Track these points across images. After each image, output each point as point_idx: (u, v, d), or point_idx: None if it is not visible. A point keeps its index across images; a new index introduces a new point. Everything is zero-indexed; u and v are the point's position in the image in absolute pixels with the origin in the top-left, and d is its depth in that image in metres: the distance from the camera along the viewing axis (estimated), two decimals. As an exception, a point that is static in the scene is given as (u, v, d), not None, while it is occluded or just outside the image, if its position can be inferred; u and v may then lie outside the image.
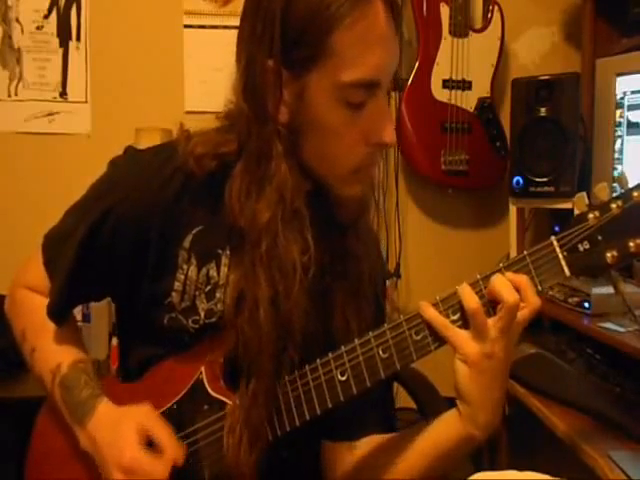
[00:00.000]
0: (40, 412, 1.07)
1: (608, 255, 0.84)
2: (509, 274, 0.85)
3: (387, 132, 0.88)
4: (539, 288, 0.86)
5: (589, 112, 1.88)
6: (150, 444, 0.90)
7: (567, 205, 1.85)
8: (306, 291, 0.90)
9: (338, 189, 0.92)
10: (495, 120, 2.18)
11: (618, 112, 1.72)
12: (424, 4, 2.10)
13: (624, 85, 1.71)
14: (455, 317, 0.86)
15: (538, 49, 2.32)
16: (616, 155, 1.73)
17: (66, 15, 2.16)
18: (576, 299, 1.62)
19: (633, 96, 1.69)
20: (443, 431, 0.92)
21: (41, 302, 1.02)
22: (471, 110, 2.15)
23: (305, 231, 0.89)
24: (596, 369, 1.44)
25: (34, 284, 1.05)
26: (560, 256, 0.85)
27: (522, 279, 0.85)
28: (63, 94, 2.18)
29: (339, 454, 1.03)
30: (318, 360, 0.90)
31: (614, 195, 0.86)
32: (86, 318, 1.89)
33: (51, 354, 1.01)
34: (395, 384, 1.49)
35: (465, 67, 2.13)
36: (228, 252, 0.93)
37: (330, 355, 0.90)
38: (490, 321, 0.84)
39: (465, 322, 0.85)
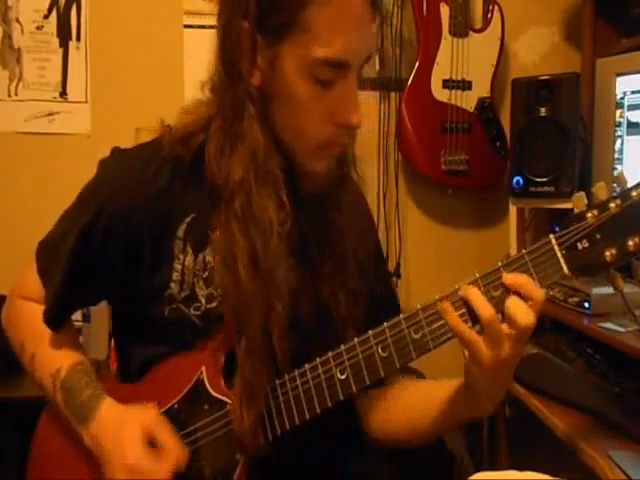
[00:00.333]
0: (42, 414, 1.07)
1: (607, 254, 0.84)
2: (508, 277, 0.85)
3: (353, 114, 0.89)
4: (538, 286, 0.85)
5: (589, 112, 1.88)
6: (154, 446, 0.90)
7: (567, 205, 1.85)
8: (289, 249, 0.90)
9: (303, 162, 0.93)
10: (495, 120, 2.18)
11: (618, 112, 1.72)
12: (424, 4, 2.10)
13: (624, 85, 1.71)
14: (459, 312, 0.86)
15: (538, 49, 2.32)
16: (616, 155, 1.73)
17: (66, 15, 2.16)
18: (576, 299, 1.62)
19: (633, 96, 1.69)
20: (452, 405, 0.95)
21: (38, 310, 1.02)
22: (471, 110, 2.15)
23: (280, 191, 0.90)
24: (596, 369, 1.44)
25: (30, 293, 1.05)
26: (559, 254, 0.85)
27: (521, 279, 0.85)
28: (63, 94, 2.18)
29: (372, 401, 1.05)
30: (317, 359, 0.91)
31: (613, 194, 0.86)
32: (86, 318, 1.89)
33: (50, 359, 1.02)
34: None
35: (465, 67, 2.13)
36: (218, 233, 0.94)
37: (329, 354, 0.90)
38: (505, 329, 0.83)
39: (471, 318, 0.85)
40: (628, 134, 1.71)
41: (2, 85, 2.15)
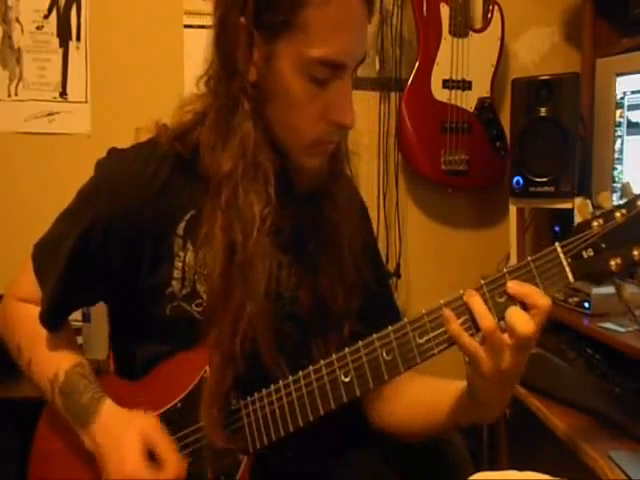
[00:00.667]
0: (42, 414, 1.06)
1: (612, 263, 0.84)
2: (512, 286, 0.84)
3: (347, 114, 0.90)
4: (543, 295, 0.84)
5: (589, 112, 1.88)
6: (153, 456, 0.90)
7: (567, 205, 1.85)
8: (278, 248, 0.91)
9: (296, 158, 0.94)
10: (495, 120, 2.18)
11: (618, 112, 1.72)
12: (424, 4, 2.10)
13: (624, 85, 1.71)
14: (462, 319, 0.85)
15: (538, 49, 2.32)
16: (616, 155, 1.73)
17: (66, 15, 2.16)
18: (576, 299, 1.62)
19: (633, 96, 1.69)
20: (455, 407, 0.95)
21: (34, 311, 1.02)
22: (471, 110, 2.15)
23: (268, 186, 0.90)
24: (596, 369, 1.44)
25: (26, 294, 1.05)
26: (564, 262, 0.85)
27: (526, 288, 0.84)
28: (63, 94, 2.18)
29: (377, 392, 1.05)
30: (322, 361, 0.91)
31: (618, 203, 0.86)
32: (86, 318, 1.89)
33: (48, 363, 1.01)
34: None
35: (465, 67, 2.13)
36: (205, 225, 0.94)
37: (334, 356, 0.90)
38: (505, 339, 0.82)
39: (474, 325, 0.85)
40: (628, 134, 1.71)
41: (2, 85, 2.15)
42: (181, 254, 0.95)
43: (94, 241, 0.96)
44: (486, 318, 0.83)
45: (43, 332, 1.02)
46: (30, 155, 2.17)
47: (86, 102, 2.18)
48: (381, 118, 2.24)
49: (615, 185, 1.72)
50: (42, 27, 2.15)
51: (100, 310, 1.90)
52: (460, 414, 0.94)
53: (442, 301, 0.87)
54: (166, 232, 0.95)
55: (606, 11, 2.00)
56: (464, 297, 0.86)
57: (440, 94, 2.13)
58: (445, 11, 2.10)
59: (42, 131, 2.18)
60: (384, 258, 2.23)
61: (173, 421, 0.94)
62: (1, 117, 2.15)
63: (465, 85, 2.14)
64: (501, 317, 0.84)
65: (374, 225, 2.15)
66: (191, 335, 0.94)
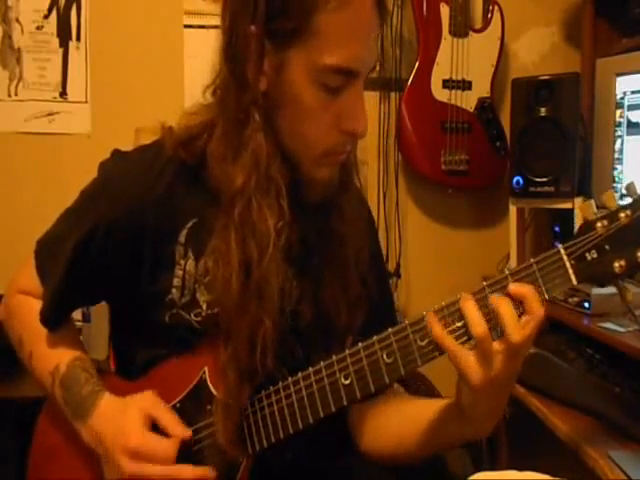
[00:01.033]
0: (42, 410, 1.07)
1: (616, 265, 0.83)
2: (513, 286, 0.83)
3: (360, 122, 0.89)
4: (545, 296, 0.84)
5: (589, 112, 1.88)
6: (156, 429, 0.90)
7: (567, 205, 1.85)
8: (285, 261, 0.89)
9: (307, 169, 0.92)
10: (495, 120, 2.18)
11: (618, 112, 1.72)
12: (424, 4, 2.10)
13: (624, 85, 1.71)
14: (459, 324, 0.84)
15: (538, 49, 2.32)
16: (616, 155, 1.73)
17: (66, 15, 2.16)
18: (576, 299, 1.62)
19: (633, 96, 1.69)
20: (447, 425, 0.92)
21: (36, 305, 1.02)
22: (471, 110, 2.15)
23: (280, 199, 0.89)
24: (596, 369, 1.44)
25: (28, 289, 1.05)
26: (567, 264, 0.84)
27: (527, 290, 0.82)
28: (63, 94, 2.17)
29: (364, 412, 1.04)
30: (322, 363, 0.90)
31: (623, 204, 0.84)
32: (86, 318, 1.89)
33: (49, 356, 1.01)
34: (395, 384, 1.49)
35: (465, 67, 2.13)
36: (216, 239, 0.92)
37: (334, 358, 0.90)
38: (496, 346, 0.81)
39: (468, 331, 0.83)
40: (628, 134, 1.71)
41: (2, 85, 2.15)
42: (182, 262, 0.94)
43: (96, 243, 0.95)
44: (478, 325, 0.81)
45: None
46: (30, 155, 2.17)
47: (86, 102, 2.18)
48: (381, 118, 2.24)
49: (615, 185, 1.72)
50: (42, 27, 2.15)
51: (100, 310, 1.90)
52: (448, 430, 0.92)
53: (443, 303, 0.86)
54: (168, 238, 0.95)
55: (606, 11, 2.00)
56: (460, 301, 0.84)
57: (440, 94, 2.13)
58: (445, 11, 2.10)
59: (42, 131, 2.18)
60: (384, 258, 2.24)
61: None
62: (1, 117, 2.15)
63: (465, 85, 2.14)
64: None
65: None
66: (190, 342, 0.94)
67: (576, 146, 1.84)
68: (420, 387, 1.53)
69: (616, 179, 1.73)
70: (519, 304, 0.83)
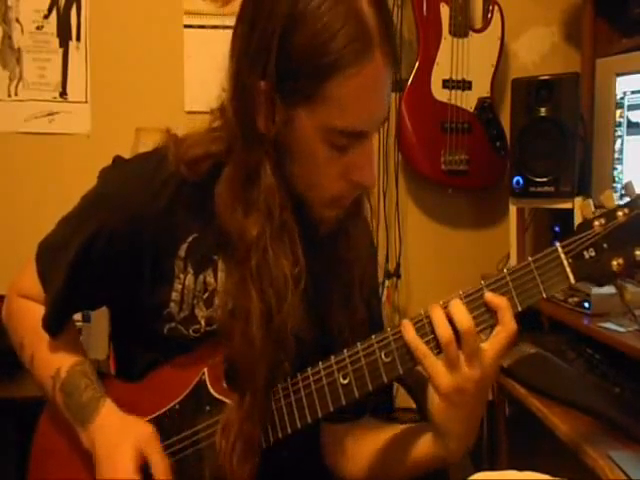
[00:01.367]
0: (43, 412, 1.07)
1: (614, 263, 0.83)
2: (488, 295, 0.84)
3: (367, 175, 0.88)
4: (544, 295, 0.84)
5: (589, 112, 1.88)
6: (146, 466, 0.90)
7: (567, 205, 1.85)
8: (299, 303, 0.89)
9: (315, 210, 0.92)
10: (495, 120, 2.18)
11: (618, 112, 1.72)
12: (424, 4, 2.10)
13: (624, 85, 1.71)
14: (433, 335, 0.85)
15: (538, 49, 2.32)
16: (616, 155, 1.73)
17: (66, 15, 2.16)
18: (576, 299, 1.62)
19: (633, 96, 1.69)
20: (419, 446, 0.93)
21: (37, 309, 1.02)
22: (471, 110, 2.15)
23: (294, 244, 0.89)
24: (596, 369, 1.44)
25: (30, 293, 1.05)
26: (565, 263, 0.84)
27: (501, 301, 0.83)
28: (63, 94, 2.18)
29: (338, 435, 1.03)
30: (320, 363, 0.90)
31: (621, 203, 0.85)
32: (86, 318, 1.89)
33: (50, 360, 1.01)
34: (395, 384, 1.49)
35: (465, 67, 2.13)
36: (230, 282, 0.92)
37: (332, 358, 0.90)
38: (463, 351, 0.82)
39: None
40: (628, 134, 1.71)
41: (2, 85, 2.15)
42: (181, 276, 0.94)
43: (97, 249, 0.95)
44: (442, 328, 0.82)
45: None
46: (30, 155, 2.18)
47: (86, 102, 2.18)
48: (381, 118, 2.24)
49: (615, 185, 1.72)
50: (42, 27, 2.15)
51: (100, 310, 1.90)
52: (422, 453, 0.92)
53: (441, 302, 0.86)
54: (168, 253, 0.94)
55: (606, 11, 2.00)
56: (429, 314, 0.85)
57: (440, 94, 2.13)
58: (445, 11, 2.10)
59: (42, 131, 2.18)
60: (384, 258, 2.24)
61: (172, 422, 0.94)
62: (1, 117, 2.15)
63: (465, 85, 2.14)
64: (492, 325, 0.83)
65: (374, 225, 2.16)
66: (189, 349, 0.94)
67: (576, 146, 1.84)
68: (418, 386, 1.53)
69: (616, 179, 1.73)
70: (493, 313, 0.83)
